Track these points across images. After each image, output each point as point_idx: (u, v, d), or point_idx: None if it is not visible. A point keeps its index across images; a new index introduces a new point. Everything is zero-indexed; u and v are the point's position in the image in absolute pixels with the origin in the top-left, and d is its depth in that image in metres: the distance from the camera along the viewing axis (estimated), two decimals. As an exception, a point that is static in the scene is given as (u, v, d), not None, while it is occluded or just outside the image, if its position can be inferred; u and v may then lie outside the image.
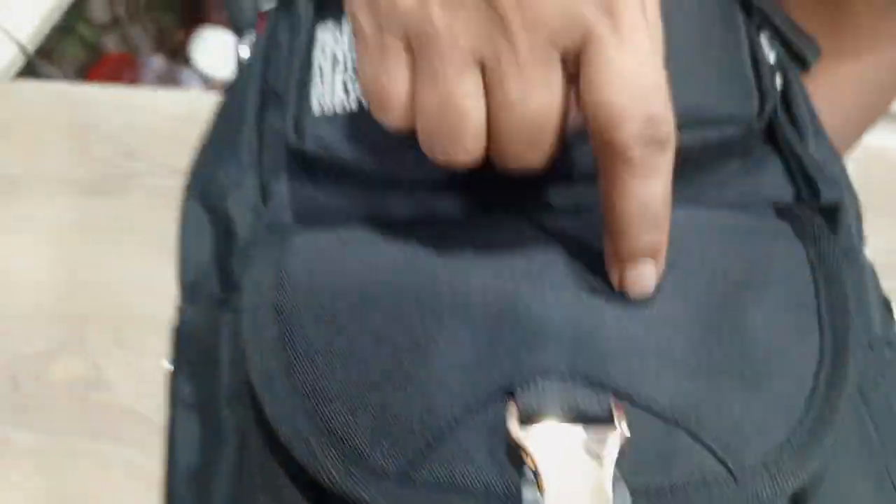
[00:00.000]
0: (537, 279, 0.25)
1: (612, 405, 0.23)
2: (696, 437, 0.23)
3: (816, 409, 0.24)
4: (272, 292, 0.25)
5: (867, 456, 0.26)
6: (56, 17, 0.83)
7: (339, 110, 0.28)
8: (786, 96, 0.30)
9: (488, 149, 0.23)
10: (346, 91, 0.29)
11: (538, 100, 0.22)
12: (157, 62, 1.28)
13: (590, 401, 0.23)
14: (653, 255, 0.24)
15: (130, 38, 1.35)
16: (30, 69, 0.80)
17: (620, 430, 0.22)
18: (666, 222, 0.24)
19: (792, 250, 0.27)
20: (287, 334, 0.24)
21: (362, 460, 0.22)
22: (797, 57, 0.32)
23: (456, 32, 0.22)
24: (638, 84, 0.22)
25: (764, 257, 0.26)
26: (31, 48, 0.76)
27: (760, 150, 0.29)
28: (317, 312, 0.25)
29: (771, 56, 0.30)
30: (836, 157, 0.31)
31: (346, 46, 0.30)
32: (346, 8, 0.24)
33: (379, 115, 0.23)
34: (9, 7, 0.80)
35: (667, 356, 0.24)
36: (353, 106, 0.28)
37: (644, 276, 0.24)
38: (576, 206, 0.27)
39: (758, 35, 0.31)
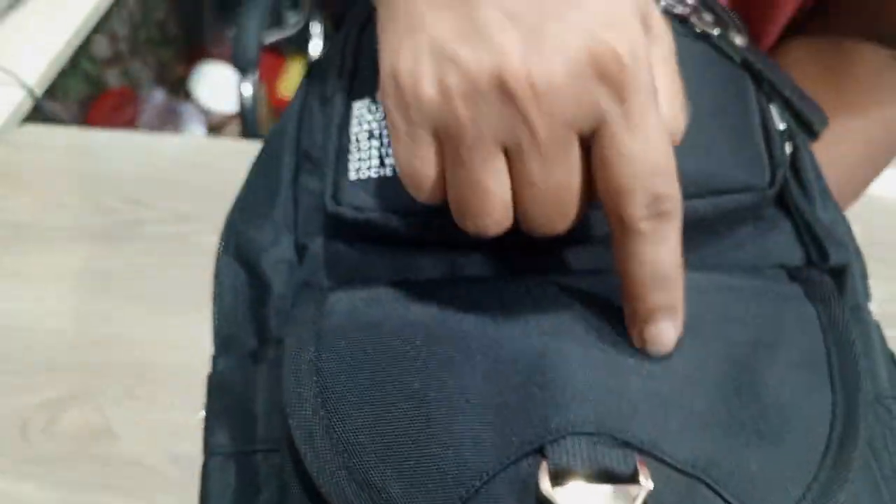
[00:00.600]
0: (562, 337, 0.27)
1: (637, 462, 0.24)
2: (716, 492, 0.24)
3: (830, 466, 0.25)
4: (311, 350, 0.26)
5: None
6: (63, 59, 0.84)
7: (373, 178, 0.30)
8: (794, 162, 0.32)
9: (515, 218, 0.25)
10: (381, 160, 0.31)
11: (558, 177, 0.24)
12: (158, 96, 1.29)
13: (616, 459, 0.24)
14: (668, 313, 0.26)
15: (132, 72, 1.36)
16: (35, 107, 0.81)
17: (645, 485, 0.24)
18: (678, 283, 0.25)
19: (803, 312, 0.28)
20: (325, 392, 0.26)
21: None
22: (805, 125, 0.34)
23: (479, 124, 0.23)
24: (645, 165, 0.23)
25: (777, 319, 0.28)
26: (38, 91, 0.77)
27: (772, 214, 0.31)
28: (352, 369, 0.26)
29: (781, 125, 0.32)
30: (843, 219, 0.32)
31: (380, 118, 0.32)
32: (380, 98, 0.26)
33: (414, 194, 0.25)
34: (18, 52, 0.81)
35: (687, 413, 0.25)
36: (388, 173, 0.30)
37: (662, 334, 0.26)
38: (595, 267, 0.29)
39: (768, 104, 0.33)
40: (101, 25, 1.08)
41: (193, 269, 0.57)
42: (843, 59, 0.43)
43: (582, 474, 0.24)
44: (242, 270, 0.32)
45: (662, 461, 0.24)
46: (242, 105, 1.00)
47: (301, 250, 0.31)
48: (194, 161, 0.67)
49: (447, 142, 0.24)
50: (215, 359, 0.32)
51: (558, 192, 0.24)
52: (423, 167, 0.25)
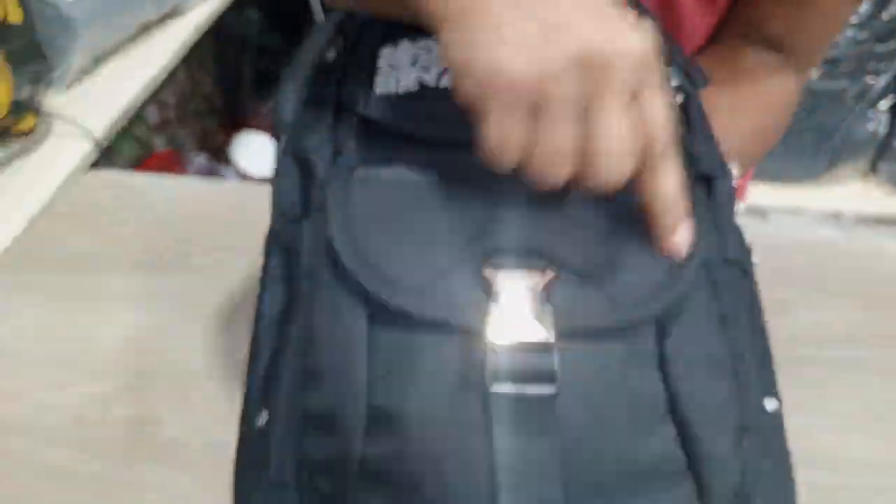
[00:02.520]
0: (515, 195, 0.39)
1: (546, 265, 0.37)
2: (598, 287, 0.37)
3: (673, 274, 0.38)
4: (343, 195, 0.39)
5: (711, 311, 0.40)
6: (124, 117, 0.97)
7: (392, 94, 0.43)
8: (685, 107, 0.45)
9: (580, 173, 0.34)
10: (397, 82, 0.43)
11: (623, 128, 0.33)
12: (201, 159, 1.42)
13: (535, 262, 0.37)
14: (683, 222, 0.38)
15: (178, 137, 1.50)
16: (95, 163, 0.93)
17: (549, 277, 0.37)
18: (682, 201, 0.37)
19: None
20: (352, 216, 0.39)
21: (394, 284, 0.37)
22: (692, 81, 0.47)
23: (565, 97, 0.32)
24: (667, 119, 0.35)
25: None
26: (103, 144, 0.89)
27: None
28: (370, 206, 0.39)
29: (675, 81, 0.45)
30: (718, 153, 0.45)
31: (398, 55, 0.44)
32: (459, 88, 0.34)
33: (501, 161, 0.34)
34: (87, 107, 0.94)
35: (583, 242, 0.39)
36: (401, 91, 0.43)
37: (682, 238, 0.38)
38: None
39: (666, 67, 0.45)
40: (153, 95, 1.21)
41: (231, 289, 0.67)
42: (735, 55, 0.59)
43: (512, 267, 0.37)
44: (295, 165, 0.44)
45: (564, 267, 0.37)
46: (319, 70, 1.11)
47: (338, 149, 0.43)
48: (231, 202, 0.78)
49: (539, 114, 0.33)
50: (275, 219, 0.44)
51: (623, 140, 0.34)
52: (514, 139, 0.33)
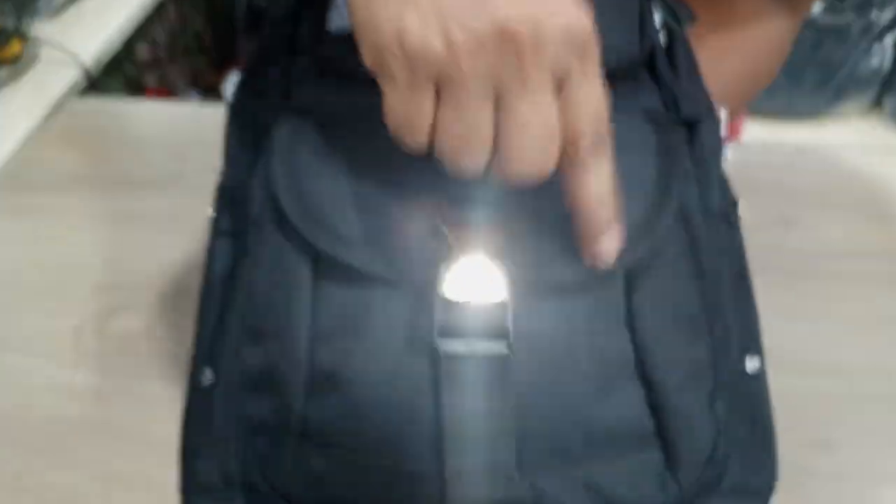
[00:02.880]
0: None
1: (504, 217, 0.34)
2: (555, 237, 0.34)
3: (644, 225, 0.35)
4: (288, 142, 0.36)
5: (686, 265, 0.36)
6: (114, 46, 0.95)
7: (346, 29, 0.37)
8: (670, 47, 0.41)
9: (497, 164, 0.31)
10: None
11: (543, 116, 0.29)
12: (193, 97, 1.39)
13: (490, 215, 0.34)
14: (611, 228, 0.33)
15: (168, 76, 1.47)
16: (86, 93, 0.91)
17: (504, 228, 0.33)
18: (613, 201, 0.33)
19: (646, 135, 0.37)
20: (296, 163, 0.36)
21: (340, 237, 0.34)
22: (677, 20, 0.43)
23: (479, 73, 0.27)
24: (597, 109, 0.30)
25: (622, 134, 0.34)
26: (94, 72, 0.87)
27: (644, 77, 0.39)
28: (318, 155, 0.36)
29: (658, 18, 0.41)
30: (705, 96, 0.41)
31: None
32: (365, 52, 0.30)
33: (407, 139, 0.30)
34: (74, 34, 0.91)
35: (544, 193, 0.33)
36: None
37: (608, 246, 0.33)
38: None
39: (648, 4, 0.41)
40: (143, 33, 1.18)
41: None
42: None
43: (467, 220, 0.34)
44: (247, 114, 0.41)
45: (522, 218, 0.34)
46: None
47: (287, 93, 0.39)
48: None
49: (447, 90, 0.29)
50: (224, 171, 0.42)
51: (542, 132, 0.29)
52: (420, 115, 0.29)
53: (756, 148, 0.67)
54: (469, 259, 0.33)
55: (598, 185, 0.32)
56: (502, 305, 0.32)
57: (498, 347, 0.32)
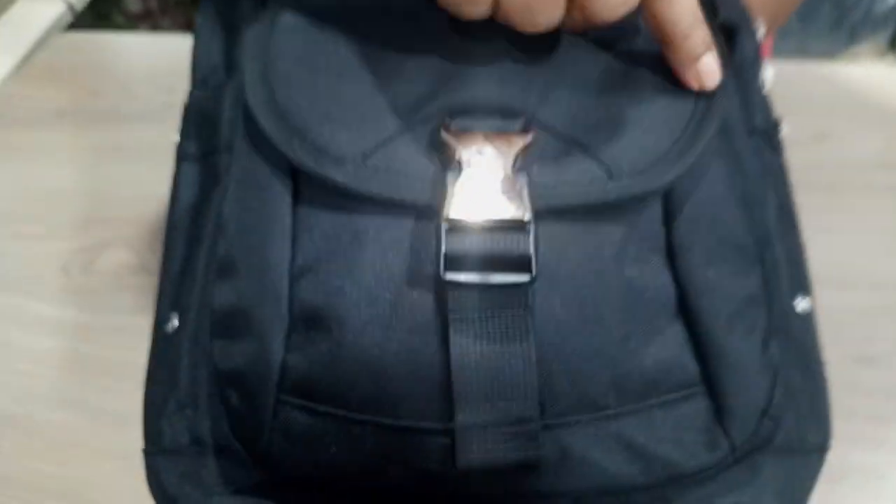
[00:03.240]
0: (480, 46, 0.31)
1: (523, 124, 0.29)
2: (585, 151, 0.29)
3: (685, 138, 0.30)
4: (263, 45, 0.32)
5: (730, 186, 0.32)
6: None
7: None
8: None
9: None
10: None
11: None
12: (187, 49, 1.35)
13: (507, 123, 0.29)
14: (708, 47, 0.30)
15: (160, 28, 1.42)
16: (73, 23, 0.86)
17: (525, 140, 0.29)
18: (704, 23, 0.30)
19: None
20: (272, 69, 0.31)
21: (325, 152, 0.29)
22: None
23: None
24: None
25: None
26: (78, 6, 0.83)
27: None
28: (297, 58, 0.31)
29: None
30: (742, 5, 0.37)
31: None
32: None
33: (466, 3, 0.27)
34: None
35: (576, 96, 0.30)
36: None
37: (710, 64, 0.30)
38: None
39: None
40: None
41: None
42: None
43: (478, 129, 0.29)
44: (219, 26, 0.38)
45: (545, 128, 0.30)
46: None
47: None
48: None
49: None
50: (192, 91, 0.38)
51: None
52: None
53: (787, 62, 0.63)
54: (481, 174, 0.28)
55: (686, 5, 0.29)
56: (522, 228, 0.27)
57: (517, 279, 0.27)
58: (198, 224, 0.35)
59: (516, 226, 0.27)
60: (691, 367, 0.29)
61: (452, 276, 0.27)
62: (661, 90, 0.31)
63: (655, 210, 0.30)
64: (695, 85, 0.30)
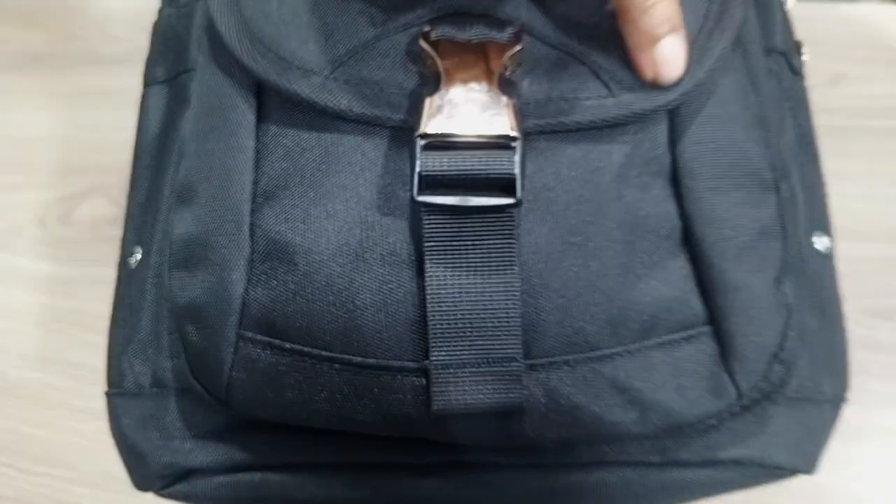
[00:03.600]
0: None
1: (512, 33, 0.26)
2: (582, 63, 0.26)
3: (695, 49, 0.27)
4: None
5: (745, 106, 0.29)
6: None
7: None
8: None
9: None
10: None
11: None
12: None
13: (494, 31, 0.26)
14: (672, 27, 0.26)
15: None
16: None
17: (510, 49, 0.26)
18: None
19: None
20: None
21: (290, 63, 0.26)
22: None
23: None
24: None
25: None
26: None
27: None
28: None
29: None
30: None
31: None
32: None
33: None
34: None
35: (571, 6, 0.27)
36: None
37: (672, 50, 0.26)
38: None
39: None
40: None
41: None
42: None
43: (460, 36, 0.26)
44: None
45: (537, 36, 0.27)
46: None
47: None
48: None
49: None
50: (161, 10, 0.35)
51: None
52: None
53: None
54: (463, 88, 0.25)
55: None
56: (507, 146, 0.25)
57: (500, 202, 0.25)
58: (164, 151, 0.33)
59: (501, 144, 0.25)
60: (695, 304, 0.27)
61: (427, 199, 0.25)
62: None
63: (659, 129, 0.27)
64: (648, 74, 0.26)
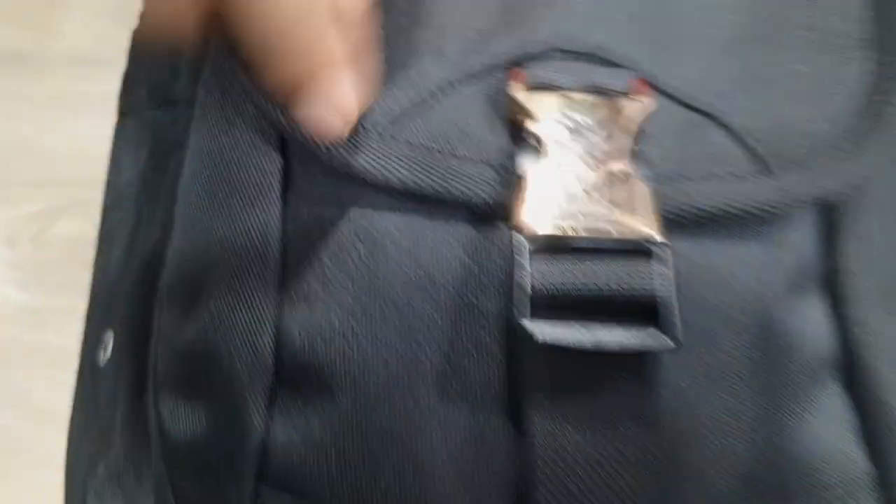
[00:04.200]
0: None
1: (635, 83, 0.19)
2: (724, 128, 0.20)
3: (866, 120, 0.20)
4: None
5: None
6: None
7: None
8: None
9: None
10: None
11: None
12: None
13: (609, 78, 0.20)
14: (334, 66, 0.19)
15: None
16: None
17: (643, 104, 0.19)
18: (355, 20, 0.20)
19: None
20: None
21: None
22: None
23: None
24: None
25: None
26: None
27: None
28: None
29: None
30: None
31: None
32: None
33: None
34: None
35: (704, 49, 0.21)
36: None
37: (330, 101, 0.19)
38: None
39: None
40: None
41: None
42: None
43: (566, 84, 0.19)
44: None
45: (664, 90, 0.20)
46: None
47: None
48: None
49: None
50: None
51: None
52: None
53: None
54: (574, 159, 0.18)
55: None
56: (648, 252, 0.18)
57: (651, 342, 0.17)
58: (147, 201, 0.26)
59: (639, 250, 0.18)
60: (861, 464, 0.21)
61: (547, 331, 0.17)
62: (825, 45, 0.22)
63: (806, 227, 0.21)
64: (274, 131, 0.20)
